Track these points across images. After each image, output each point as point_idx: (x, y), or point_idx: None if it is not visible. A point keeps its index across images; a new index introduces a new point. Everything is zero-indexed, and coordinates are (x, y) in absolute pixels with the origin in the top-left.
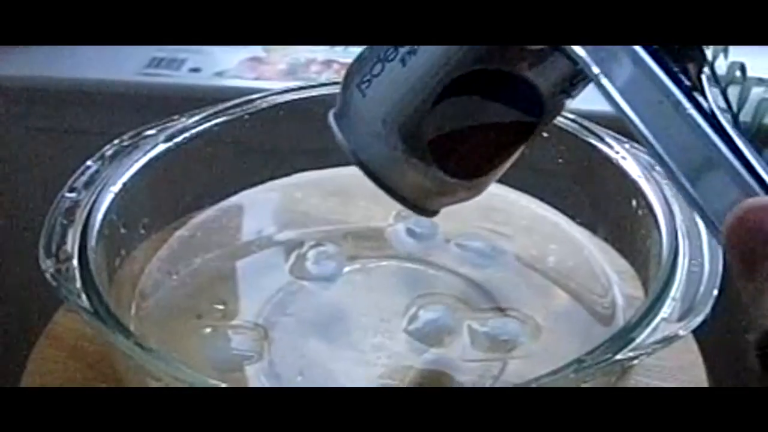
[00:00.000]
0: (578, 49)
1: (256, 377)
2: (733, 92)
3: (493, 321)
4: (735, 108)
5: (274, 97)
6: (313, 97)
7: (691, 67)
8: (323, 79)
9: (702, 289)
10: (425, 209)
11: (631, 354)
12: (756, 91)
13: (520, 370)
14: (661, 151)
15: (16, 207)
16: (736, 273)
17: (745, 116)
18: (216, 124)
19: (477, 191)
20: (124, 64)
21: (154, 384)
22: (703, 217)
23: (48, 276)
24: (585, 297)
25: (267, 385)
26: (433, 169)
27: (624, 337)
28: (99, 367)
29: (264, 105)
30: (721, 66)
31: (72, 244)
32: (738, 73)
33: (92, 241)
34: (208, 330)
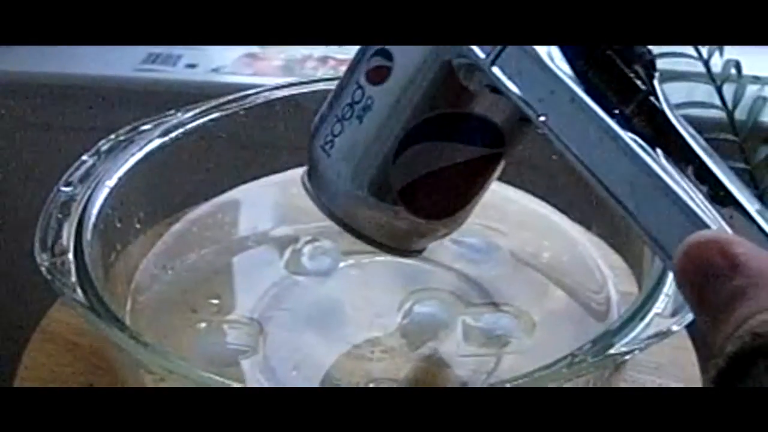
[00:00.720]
0: (515, 89)
1: (250, 372)
2: (728, 90)
3: (488, 316)
4: (730, 106)
5: (269, 92)
6: (308, 92)
7: (642, 71)
8: (319, 75)
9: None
10: (407, 251)
11: (624, 349)
12: (751, 89)
13: (514, 365)
14: (607, 186)
15: (11, 202)
16: (689, 303)
17: (740, 114)
18: (211, 120)
19: (457, 225)
20: (120, 60)
21: (148, 378)
22: (654, 247)
23: (43, 270)
24: (579, 293)
25: (262, 379)
26: (408, 215)
27: (617, 332)
28: (94, 361)
29: (259, 100)
30: (717, 64)
31: (67, 238)
32: (733, 71)
33: (87, 236)
34: (203, 324)
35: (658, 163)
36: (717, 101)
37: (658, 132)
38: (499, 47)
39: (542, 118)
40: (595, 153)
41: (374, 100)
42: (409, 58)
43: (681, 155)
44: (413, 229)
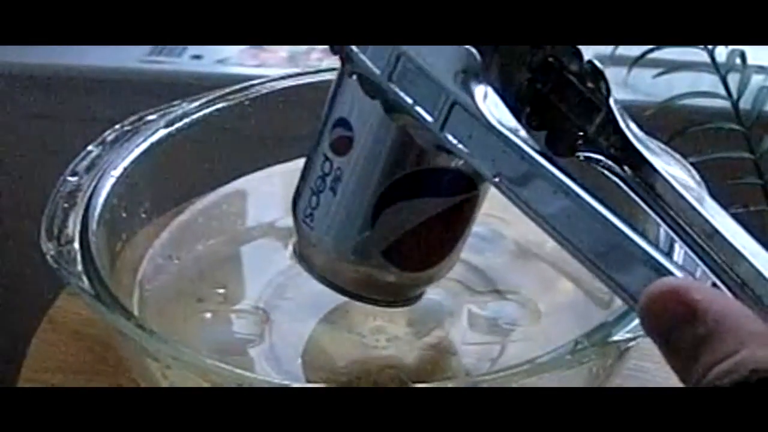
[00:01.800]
0: (466, 152)
1: (256, 360)
2: (733, 80)
3: (493, 304)
4: (735, 95)
5: (274, 83)
6: (313, 83)
7: (596, 88)
8: (324, 65)
9: (698, 274)
10: (407, 300)
11: (626, 336)
12: (756, 79)
13: (518, 353)
14: (565, 238)
15: (17, 192)
16: (658, 347)
17: (745, 104)
18: (216, 110)
19: (453, 263)
20: (126, 52)
21: (154, 366)
22: (619, 295)
23: (49, 258)
24: (583, 281)
25: (267, 368)
26: (399, 272)
27: (620, 319)
28: (100, 350)
29: (264, 91)
30: (721, 54)
31: (73, 227)
32: (738, 61)
33: (93, 225)
34: (209, 314)
35: (613, 211)
36: (722, 91)
37: (622, 150)
38: (446, 112)
39: (496, 179)
40: (549, 208)
41: (343, 171)
42: (367, 127)
43: (643, 173)
44: (408, 282)
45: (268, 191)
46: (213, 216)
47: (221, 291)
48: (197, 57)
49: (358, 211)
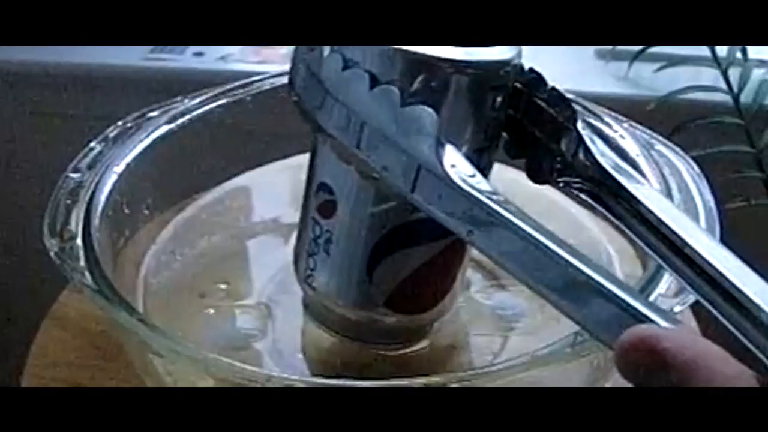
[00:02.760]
0: (437, 212)
1: (258, 355)
2: (733, 74)
3: (495, 297)
4: (735, 89)
5: (275, 79)
6: None
7: (566, 119)
8: None
9: (671, 284)
10: (418, 335)
11: None
12: (757, 73)
13: (520, 346)
14: (539, 289)
15: (20, 189)
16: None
17: (745, 97)
18: (218, 106)
19: (455, 299)
20: (128, 49)
21: (157, 361)
22: (596, 339)
23: (52, 254)
24: None
25: (269, 363)
26: (401, 317)
27: None
28: (103, 346)
29: (266, 87)
30: (722, 48)
31: (76, 223)
32: (738, 55)
33: (96, 221)
34: (212, 309)
35: (582, 259)
36: (722, 85)
37: (597, 173)
38: (413, 176)
39: (469, 237)
40: (521, 261)
41: (332, 233)
42: (347, 190)
43: (618, 194)
44: (414, 324)
45: (271, 187)
46: (215, 212)
47: (224, 286)
48: (199, 54)
49: (354, 268)
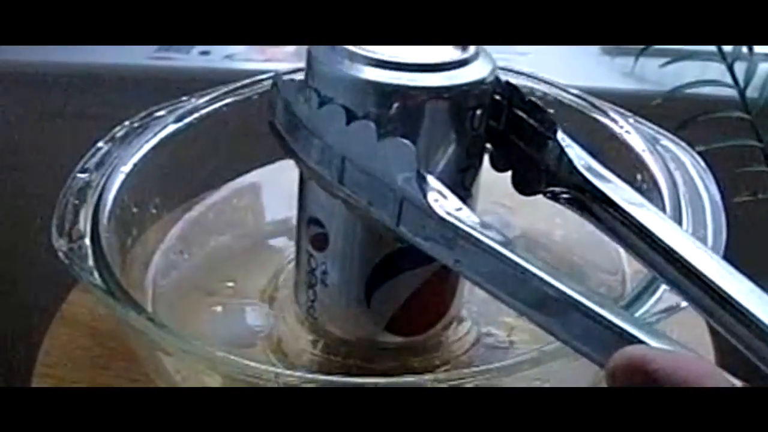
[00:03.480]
0: (423, 243)
1: (265, 353)
2: (740, 68)
3: None
4: (742, 84)
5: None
6: None
7: (546, 129)
8: None
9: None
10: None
11: None
12: (763, 67)
13: (528, 342)
14: (524, 311)
15: (28, 188)
16: None
17: (752, 92)
18: (225, 105)
19: (460, 309)
20: (134, 48)
21: (167, 360)
22: (585, 357)
23: (60, 254)
24: (592, 270)
25: (274, 361)
26: (404, 338)
27: (627, 307)
28: (113, 345)
29: None
30: None
31: (84, 223)
32: (744, 50)
33: (104, 221)
34: (220, 307)
35: (565, 282)
36: (729, 79)
37: (581, 182)
38: (397, 208)
39: (456, 266)
40: (506, 285)
41: (327, 265)
42: (336, 223)
43: (602, 202)
44: (411, 345)
45: (279, 185)
46: (223, 211)
47: (231, 285)
48: (205, 53)
49: (352, 297)
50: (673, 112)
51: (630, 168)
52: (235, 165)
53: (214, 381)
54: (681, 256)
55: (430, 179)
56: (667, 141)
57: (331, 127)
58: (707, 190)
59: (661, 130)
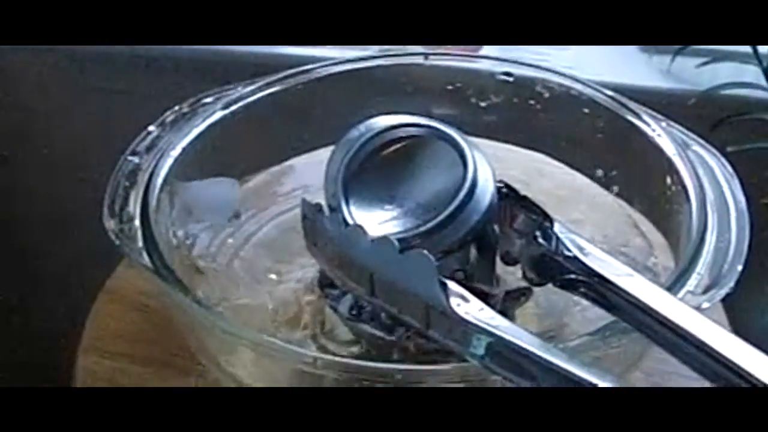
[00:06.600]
0: (453, 345)
1: (305, 338)
2: None
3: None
4: None
5: (327, 67)
6: (367, 68)
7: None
8: (370, 52)
9: (727, 264)
10: None
11: None
12: None
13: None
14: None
15: (79, 167)
16: None
17: None
18: (271, 93)
19: None
20: None
21: (209, 339)
22: None
23: (111, 234)
24: None
25: (313, 347)
26: None
27: None
28: (157, 320)
29: (318, 75)
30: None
31: (134, 205)
32: None
33: (153, 203)
34: (261, 291)
35: (590, 372)
36: (764, 82)
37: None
38: (425, 315)
39: (481, 362)
40: (532, 376)
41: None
42: None
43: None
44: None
45: (320, 172)
46: (267, 195)
47: (273, 269)
48: None
49: None
50: (707, 112)
51: (660, 171)
52: (278, 151)
53: (253, 360)
54: (692, 333)
55: (451, 285)
56: (697, 146)
57: (356, 245)
58: (733, 195)
59: (692, 135)
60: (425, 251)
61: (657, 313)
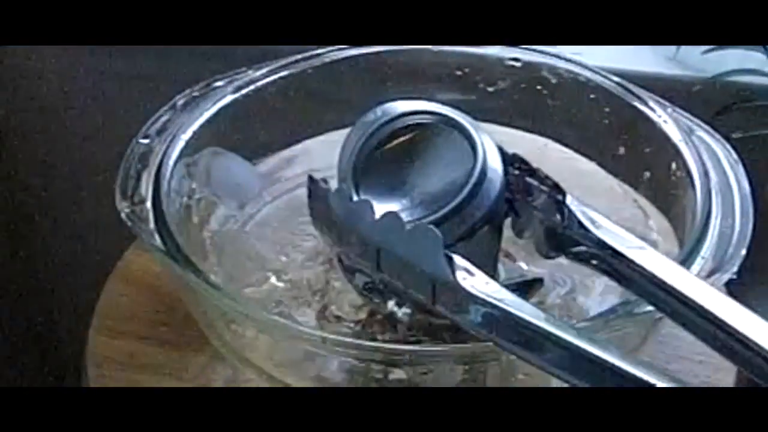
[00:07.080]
0: (461, 320)
1: (313, 318)
2: None
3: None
4: None
5: (338, 52)
6: (375, 52)
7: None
8: None
9: (731, 249)
10: None
11: None
12: None
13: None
14: (561, 374)
15: (91, 149)
16: None
17: None
18: (282, 77)
19: None
20: None
21: (220, 320)
22: None
23: (123, 216)
24: None
25: (322, 326)
26: None
27: None
28: (169, 301)
29: (328, 59)
30: None
31: (146, 187)
32: None
33: (165, 186)
34: (271, 273)
35: (598, 346)
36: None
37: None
38: (431, 290)
39: (489, 336)
40: (539, 351)
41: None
42: None
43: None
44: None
45: (331, 155)
46: (276, 179)
47: (284, 250)
48: None
49: None
50: (713, 99)
51: (665, 157)
52: (289, 135)
53: (264, 340)
54: (702, 306)
55: (457, 259)
56: (702, 132)
57: (363, 220)
58: (737, 180)
59: (697, 121)
60: (431, 225)
61: (668, 285)
